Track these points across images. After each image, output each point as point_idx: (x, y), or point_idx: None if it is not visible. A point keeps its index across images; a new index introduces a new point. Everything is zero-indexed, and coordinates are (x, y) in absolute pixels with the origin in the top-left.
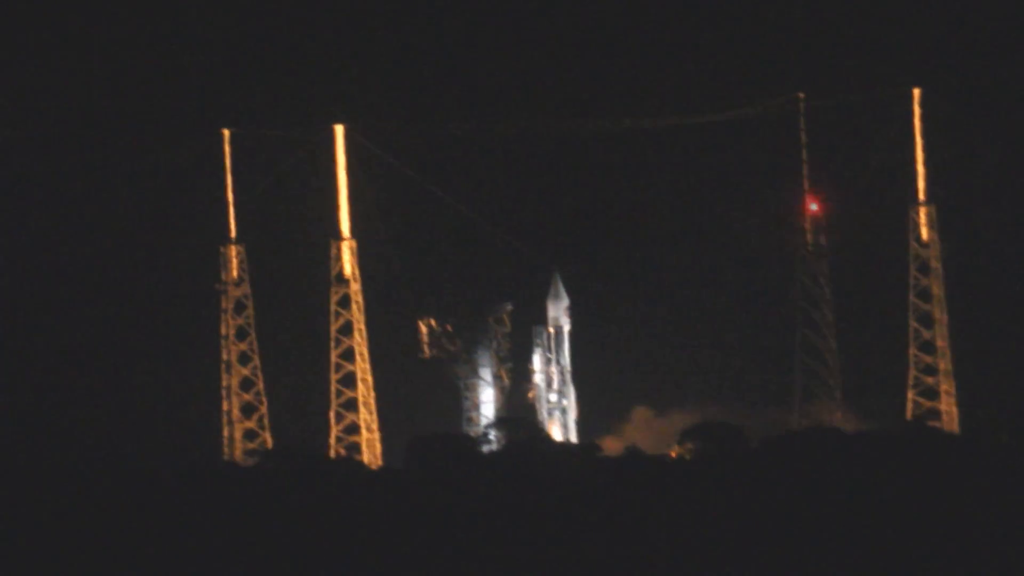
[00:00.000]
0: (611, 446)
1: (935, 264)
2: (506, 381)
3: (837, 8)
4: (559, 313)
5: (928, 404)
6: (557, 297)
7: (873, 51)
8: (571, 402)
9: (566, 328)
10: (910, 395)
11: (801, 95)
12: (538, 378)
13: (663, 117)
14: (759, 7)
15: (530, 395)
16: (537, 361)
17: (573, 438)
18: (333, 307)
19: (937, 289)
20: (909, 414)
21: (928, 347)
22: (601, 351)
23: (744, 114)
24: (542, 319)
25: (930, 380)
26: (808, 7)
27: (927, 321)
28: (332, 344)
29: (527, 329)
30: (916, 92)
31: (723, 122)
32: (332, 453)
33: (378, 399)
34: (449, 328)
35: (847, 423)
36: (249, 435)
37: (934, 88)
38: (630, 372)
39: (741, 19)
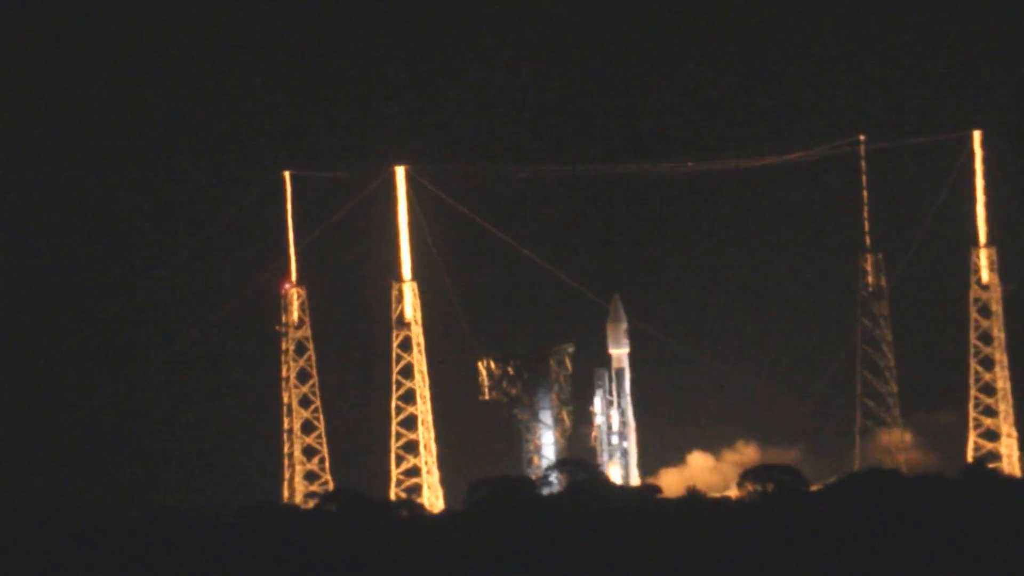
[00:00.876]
0: (671, 481)
1: (995, 306)
2: (567, 423)
3: (898, 52)
4: (618, 335)
5: (989, 446)
6: (617, 320)
7: (934, 94)
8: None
9: (625, 352)
10: (971, 437)
11: (862, 138)
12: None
13: (726, 159)
14: (821, 52)
15: (592, 438)
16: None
17: (634, 480)
18: (394, 349)
19: (998, 331)
20: (970, 456)
21: (988, 389)
22: (661, 387)
23: (806, 157)
24: (603, 361)
25: (990, 422)
26: (869, 51)
27: (988, 363)
28: (393, 387)
29: (589, 371)
30: (977, 134)
31: (785, 164)
32: (392, 495)
33: (439, 442)
34: (510, 370)
35: (907, 465)
36: (310, 477)
37: (995, 130)
38: (690, 410)
39: (804, 64)
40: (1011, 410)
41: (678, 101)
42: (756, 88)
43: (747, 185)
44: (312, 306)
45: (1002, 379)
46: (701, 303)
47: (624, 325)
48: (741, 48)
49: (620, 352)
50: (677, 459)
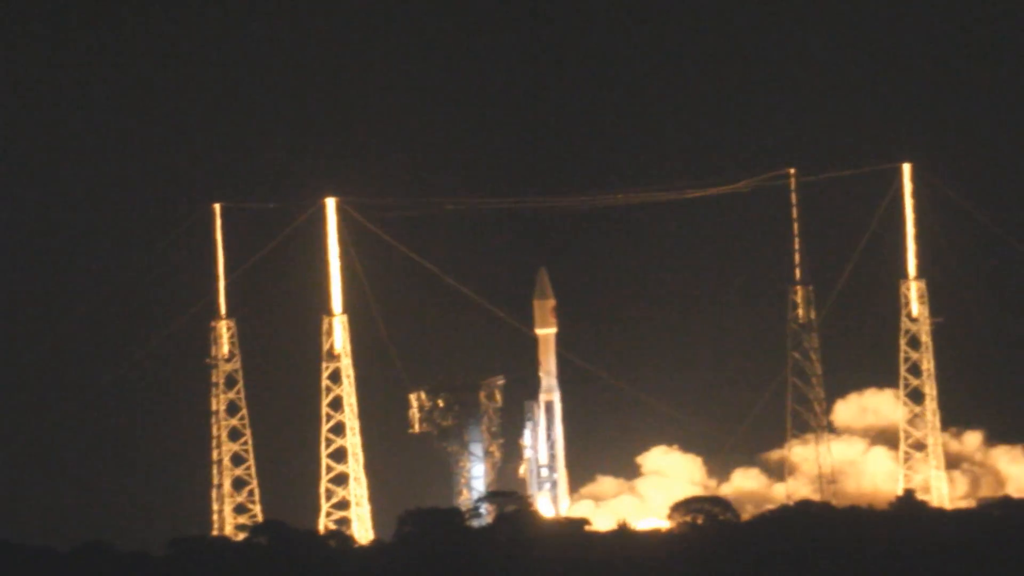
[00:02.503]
0: (601, 513)
1: (925, 339)
2: (497, 456)
3: (828, 84)
4: (545, 313)
5: (918, 478)
6: (543, 296)
7: (864, 127)
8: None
9: (552, 333)
10: (900, 470)
11: (792, 171)
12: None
13: (655, 192)
14: (751, 84)
15: (521, 470)
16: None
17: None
18: (324, 382)
19: (927, 364)
20: (899, 489)
21: (918, 422)
22: (592, 421)
23: (736, 189)
24: (534, 394)
25: (920, 454)
26: (799, 83)
27: (917, 396)
28: (323, 419)
29: (519, 403)
30: (906, 167)
31: (715, 197)
32: (322, 527)
33: (369, 474)
34: (440, 403)
35: (838, 499)
36: (239, 509)
37: (925, 163)
38: (619, 444)
39: (734, 96)
40: (940, 443)
41: (608, 134)
42: (686, 121)
43: (677, 218)
44: (242, 339)
45: (931, 411)
46: (632, 336)
47: (551, 302)
48: (669, 81)
49: (547, 332)
50: (606, 492)
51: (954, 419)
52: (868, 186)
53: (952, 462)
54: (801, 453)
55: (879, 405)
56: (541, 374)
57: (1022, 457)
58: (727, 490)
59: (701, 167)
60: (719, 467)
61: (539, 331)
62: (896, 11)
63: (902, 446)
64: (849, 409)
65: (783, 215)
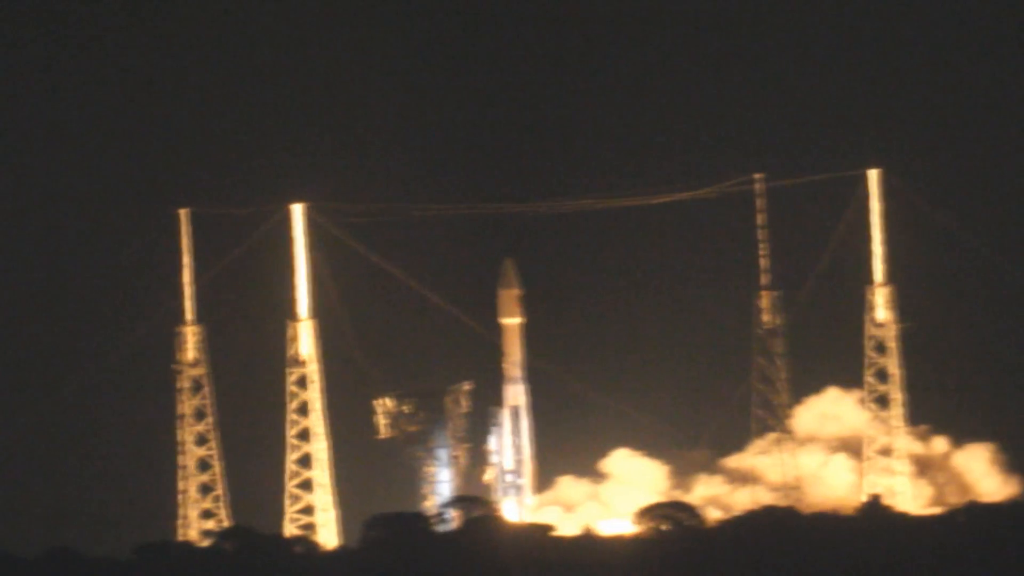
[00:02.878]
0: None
1: (891, 344)
2: (463, 461)
3: (796, 90)
4: (510, 304)
5: (883, 482)
6: (508, 286)
7: (831, 132)
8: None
9: (517, 323)
10: (866, 474)
11: (759, 176)
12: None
13: (623, 197)
14: (719, 88)
15: (486, 476)
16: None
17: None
18: (290, 387)
19: (893, 369)
20: (865, 493)
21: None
22: (558, 426)
23: (703, 195)
24: (500, 400)
25: (885, 460)
26: (767, 89)
27: (883, 401)
28: (288, 425)
29: (486, 408)
30: (873, 173)
31: (682, 202)
32: (288, 533)
33: (335, 479)
34: (406, 408)
35: (803, 503)
36: (205, 514)
37: (892, 169)
38: (582, 445)
39: (702, 101)
40: (905, 447)
41: (576, 139)
42: (653, 126)
43: (644, 223)
44: (209, 344)
45: (897, 417)
46: (600, 341)
47: (516, 291)
48: (636, 85)
49: (512, 322)
50: (569, 495)
51: (919, 424)
52: (835, 191)
53: (917, 467)
54: (765, 460)
55: (841, 412)
56: (506, 365)
57: (988, 462)
58: (689, 498)
59: (668, 172)
60: (681, 470)
61: (504, 321)
62: (863, 17)
63: (867, 451)
64: (810, 415)
65: (750, 220)
